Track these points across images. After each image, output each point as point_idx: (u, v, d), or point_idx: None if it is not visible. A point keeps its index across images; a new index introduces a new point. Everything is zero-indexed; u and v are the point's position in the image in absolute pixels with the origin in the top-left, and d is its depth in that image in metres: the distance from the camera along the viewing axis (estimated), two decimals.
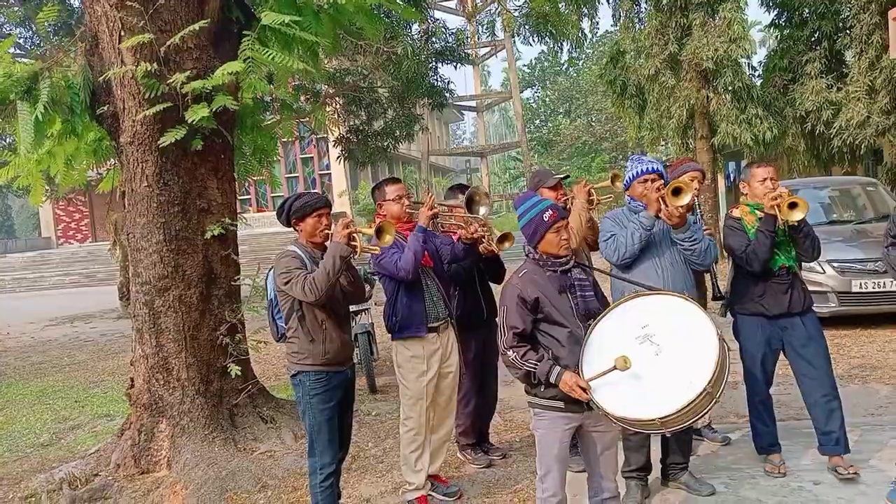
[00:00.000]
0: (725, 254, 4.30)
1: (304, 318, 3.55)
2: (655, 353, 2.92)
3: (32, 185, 5.71)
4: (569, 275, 3.13)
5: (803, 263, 4.17)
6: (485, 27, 12.53)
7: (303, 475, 4.51)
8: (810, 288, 4.21)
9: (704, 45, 13.39)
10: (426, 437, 4.11)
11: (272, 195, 32.20)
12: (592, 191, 4.32)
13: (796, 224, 3.86)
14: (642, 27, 15.52)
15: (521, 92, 42.65)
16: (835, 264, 7.59)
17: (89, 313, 16.72)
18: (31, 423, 6.99)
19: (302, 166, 33.27)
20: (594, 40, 35.24)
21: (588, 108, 42.04)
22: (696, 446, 4.54)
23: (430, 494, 4.17)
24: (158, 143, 4.60)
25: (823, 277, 7.56)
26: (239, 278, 5.16)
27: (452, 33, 13.25)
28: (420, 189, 34.70)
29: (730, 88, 14.01)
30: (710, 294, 4.71)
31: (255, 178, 8.20)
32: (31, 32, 12.81)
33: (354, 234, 3.48)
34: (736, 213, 4.15)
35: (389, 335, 4.18)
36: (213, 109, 4.50)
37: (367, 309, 6.93)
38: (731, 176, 21.53)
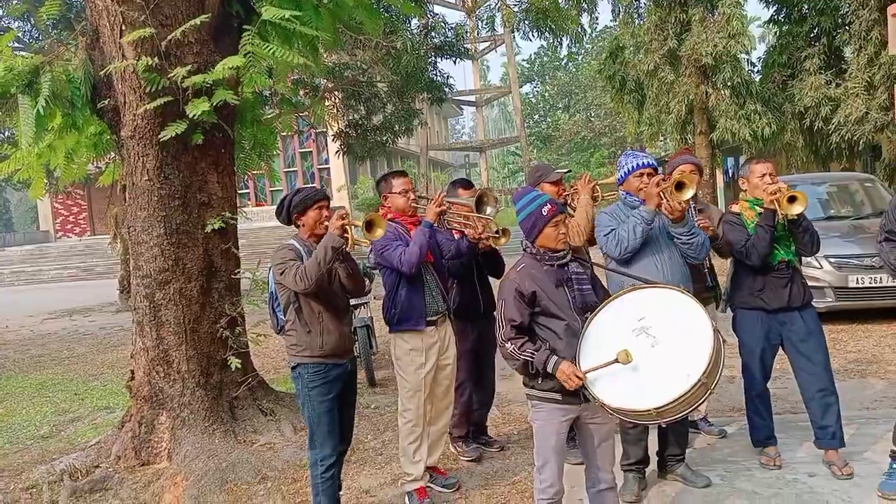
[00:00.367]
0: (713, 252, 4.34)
1: (301, 311, 3.58)
2: (651, 344, 2.95)
3: (33, 178, 5.72)
4: (566, 268, 3.16)
5: (801, 258, 4.20)
6: (484, 22, 12.52)
7: (302, 467, 4.55)
8: (808, 283, 4.24)
9: (703, 41, 13.42)
10: (424, 429, 4.15)
11: (271, 189, 32.18)
12: (597, 187, 4.34)
13: (795, 218, 3.89)
14: (642, 22, 15.56)
15: (521, 87, 42.64)
16: (832, 260, 7.63)
17: (88, 307, 16.74)
18: (31, 415, 7.02)
19: (301, 160, 33.25)
20: (593, 35, 35.24)
21: (587, 103, 42.03)
22: (693, 439, 4.58)
23: (428, 486, 4.21)
24: (159, 137, 4.62)
25: (820, 273, 7.60)
26: (239, 272, 5.19)
27: (452, 28, 13.26)
28: (419, 183, 34.69)
29: (729, 84, 14.06)
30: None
31: (254, 173, 8.22)
32: (30, 26, 12.80)
33: (347, 226, 3.49)
34: (735, 208, 4.18)
35: (388, 328, 4.21)
36: (214, 104, 4.52)
37: (366, 303, 6.96)
38: (730, 171, 21.59)
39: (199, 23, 4.51)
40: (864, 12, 13.25)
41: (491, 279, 4.79)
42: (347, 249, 3.53)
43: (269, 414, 5.16)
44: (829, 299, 7.61)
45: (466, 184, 4.75)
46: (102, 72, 4.77)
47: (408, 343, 4.09)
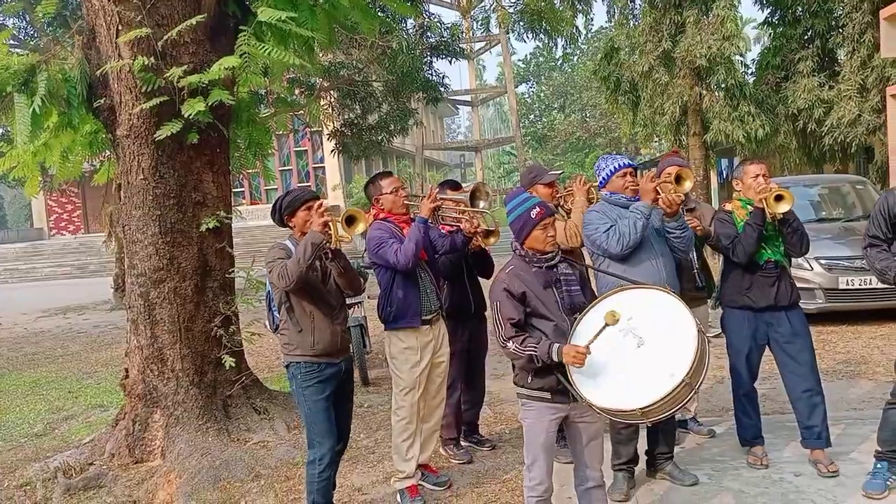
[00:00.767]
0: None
1: (293, 310, 3.59)
2: (638, 344, 3.00)
3: (28, 176, 5.74)
4: (554, 270, 3.21)
5: (792, 260, 4.26)
6: (479, 23, 12.56)
7: (295, 465, 4.59)
8: (798, 284, 4.29)
9: (698, 43, 13.47)
10: (417, 427, 4.19)
11: (266, 188, 32.16)
12: (592, 189, 4.39)
13: (785, 218, 3.95)
14: (637, 24, 15.61)
15: (516, 87, 42.67)
16: (822, 261, 7.70)
17: (82, 304, 16.74)
18: (25, 413, 7.04)
19: (296, 159, 33.24)
20: (589, 36, 35.31)
21: (582, 103, 42.11)
22: (682, 438, 4.63)
23: (420, 483, 4.24)
24: (154, 136, 4.65)
25: (811, 274, 7.67)
26: (233, 271, 5.22)
27: (447, 28, 13.29)
28: (414, 183, 34.70)
29: (723, 86, 14.12)
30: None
31: (249, 171, 8.24)
32: (25, 23, 12.78)
33: (330, 223, 3.48)
34: (728, 206, 4.25)
35: (383, 326, 4.24)
36: (210, 104, 4.54)
37: (359, 302, 7.00)
38: (724, 172, 21.67)
39: (195, 23, 4.53)
40: (858, 15, 13.33)
41: (481, 280, 4.84)
42: (332, 246, 3.53)
43: (263, 412, 5.20)
44: (820, 301, 7.68)
45: (455, 185, 4.77)
46: (98, 71, 4.80)
47: (403, 341, 4.13)
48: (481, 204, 4.34)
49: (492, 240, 4.45)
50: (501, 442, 4.99)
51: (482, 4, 12.93)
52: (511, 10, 10.04)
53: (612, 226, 3.79)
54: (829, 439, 4.07)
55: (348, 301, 6.44)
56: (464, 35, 16.35)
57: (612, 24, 16.96)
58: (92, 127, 5.42)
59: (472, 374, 4.83)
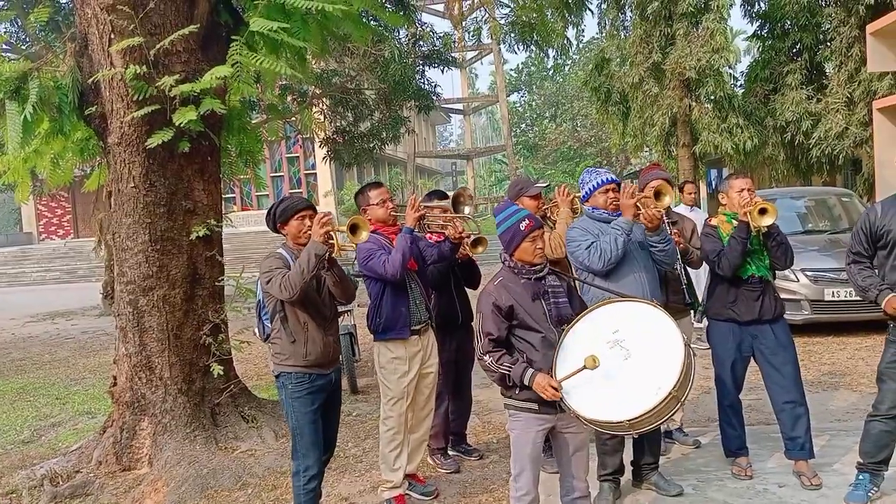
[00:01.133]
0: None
1: (287, 319, 3.58)
2: (625, 357, 3.04)
3: (19, 182, 5.74)
4: (542, 282, 3.25)
5: (777, 272, 4.31)
6: (471, 34, 12.63)
7: (283, 474, 4.59)
8: (784, 296, 4.35)
9: (688, 55, 13.59)
10: (405, 437, 4.21)
11: (257, 194, 32.09)
12: (576, 200, 4.43)
13: (769, 232, 4.01)
14: (627, 35, 15.72)
15: (508, 96, 42.80)
16: (808, 273, 7.77)
17: (71, 310, 16.65)
18: (12, 419, 7.00)
19: (287, 166, 33.19)
20: (580, 46, 35.48)
21: (573, 113, 42.25)
22: (668, 449, 4.67)
23: (407, 493, 4.26)
24: (146, 144, 4.66)
25: (797, 286, 7.74)
26: (223, 279, 5.23)
27: (440, 37, 13.36)
28: (406, 190, 34.74)
29: (712, 98, 14.24)
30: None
31: (240, 178, 8.25)
32: (16, 28, 12.76)
33: (331, 233, 3.49)
34: (713, 221, 4.30)
35: (372, 336, 4.27)
36: (201, 112, 4.56)
37: (349, 310, 7.01)
38: (713, 183, 21.83)
39: (187, 32, 4.56)
40: (845, 30, 13.50)
41: (468, 290, 4.87)
42: (333, 255, 3.54)
43: (251, 421, 5.20)
44: (806, 312, 7.75)
45: (441, 195, 4.81)
46: (90, 79, 4.81)
47: (392, 351, 4.15)
48: (465, 209, 4.39)
49: (480, 248, 4.48)
50: (489, 451, 5.01)
51: (474, 15, 13.00)
52: (502, 22, 10.12)
53: (593, 242, 3.83)
54: (812, 450, 4.11)
55: (340, 309, 6.47)
56: (456, 45, 16.43)
57: (603, 35, 17.08)
58: (83, 134, 5.43)
59: (460, 385, 4.85)
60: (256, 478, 4.68)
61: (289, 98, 13.02)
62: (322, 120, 13.50)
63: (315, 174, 32.27)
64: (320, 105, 13.70)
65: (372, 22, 9.43)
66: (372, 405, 6.12)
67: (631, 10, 15.44)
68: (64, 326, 14.06)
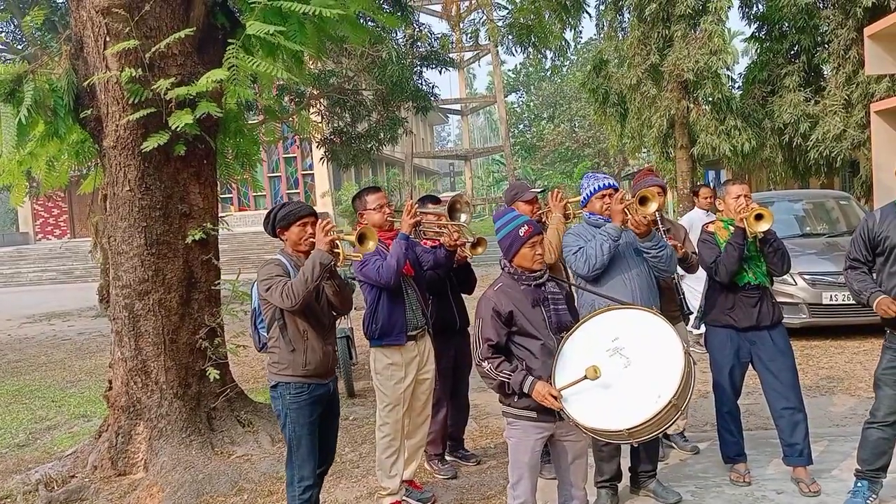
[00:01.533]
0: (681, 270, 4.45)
1: (286, 328, 3.51)
2: (625, 365, 3.02)
3: (14, 185, 5.71)
4: (542, 288, 3.24)
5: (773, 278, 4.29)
6: (469, 35, 12.63)
7: (279, 479, 4.56)
8: (782, 300, 4.35)
9: (685, 57, 13.59)
10: (401, 443, 4.19)
11: (254, 194, 32.04)
12: (568, 205, 4.43)
13: (766, 238, 4.00)
14: (625, 37, 15.73)
15: (506, 96, 42.79)
16: (806, 276, 7.76)
17: (67, 311, 16.59)
18: (7, 422, 6.96)
19: (285, 166, 33.15)
20: (578, 47, 35.52)
21: (571, 114, 42.30)
22: (666, 455, 4.65)
23: (404, 499, 4.24)
24: (141, 147, 4.63)
25: (795, 289, 7.73)
26: (219, 283, 5.20)
27: (437, 38, 13.36)
28: (403, 191, 34.72)
29: (709, 100, 14.24)
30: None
31: (237, 179, 8.22)
32: (12, 27, 12.72)
33: (337, 241, 3.43)
34: (711, 227, 4.29)
35: (368, 341, 4.24)
36: (197, 116, 4.54)
37: (345, 313, 6.98)
38: (711, 185, 21.82)
39: (183, 35, 4.53)
40: (843, 32, 13.50)
41: (464, 295, 4.84)
42: (338, 265, 3.49)
43: (247, 425, 5.17)
44: (804, 315, 7.74)
45: (435, 200, 4.77)
46: (86, 82, 4.78)
47: (388, 357, 4.13)
48: (462, 217, 4.35)
49: (480, 249, 4.46)
50: (486, 457, 4.99)
51: (472, 17, 12.99)
52: (500, 24, 10.10)
53: (581, 247, 3.83)
54: (810, 457, 4.11)
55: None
56: (454, 45, 16.42)
57: (601, 36, 17.08)
58: (79, 137, 5.40)
59: (458, 389, 4.83)
60: (253, 483, 4.66)
61: (286, 99, 13.00)
62: (319, 121, 13.47)
63: (312, 175, 32.25)
64: (318, 106, 13.68)
65: (369, 23, 9.41)
66: (369, 409, 6.09)
67: (629, 12, 15.44)
68: (60, 328, 14.01)
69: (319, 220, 3.51)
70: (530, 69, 48.71)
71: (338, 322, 6.79)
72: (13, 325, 14.86)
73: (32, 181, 8.86)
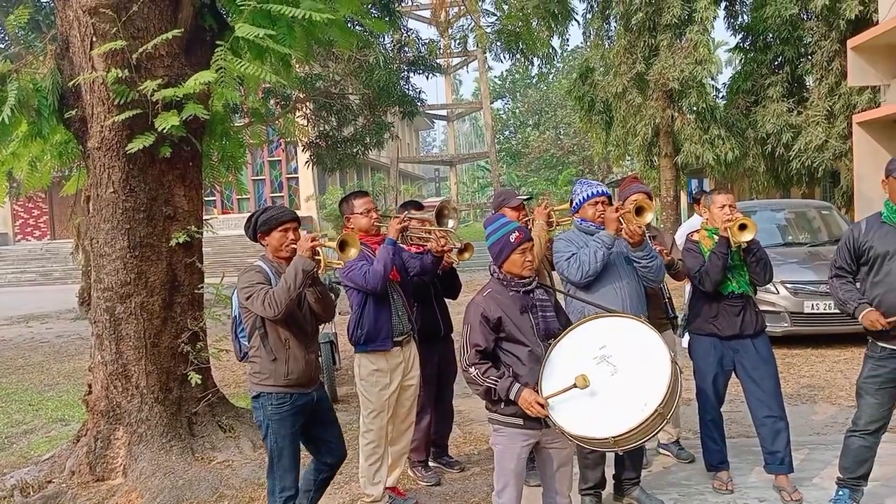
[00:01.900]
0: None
1: (267, 337, 3.43)
2: (611, 373, 3.02)
3: None
4: (531, 295, 3.24)
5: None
6: (457, 42, 12.65)
7: (261, 485, 4.52)
8: (764, 308, 4.38)
9: (671, 66, 13.72)
10: (385, 450, 4.16)
11: (238, 197, 31.83)
12: (552, 213, 4.45)
13: (749, 248, 4.03)
14: (611, 45, 15.85)
15: (492, 103, 42.93)
16: (788, 285, 7.83)
17: (45, 313, 16.38)
18: None
19: (269, 169, 32.99)
20: (565, 55, 35.71)
21: (557, 121, 42.51)
22: (650, 462, 4.66)
23: None
24: (126, 149, 4.58)
25: (777, 298, 7.79)
26: (202, 286, 5.15)
27: (425, 44, 13.36)
28: (389, 196, 34.68)
29: (694, 109, 14.39)
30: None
31: (222, 181, 8.16)
32: None
33: (318, 248, 3.37)
34: (695, 236, 4.32)
35: (352, 346, 4.22)
36: (183, 118, 4.50)
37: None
38: (693, 193, 22.01)
39: (170, 37, 4.50)
40: (826, 44, 13.69)
41: (448, 301, 4.83)
42: (319, 272, 3.43)
43: (229, 430, 5.12)
44: (786, 324, 7.80)
45: (417, 205, 4.75)
46: (71, 82, 4.73)
47: (373, 363, 4.11)
48: (449, 223, 4.35)
49: (466, 255, 4.46)
50: (470, 463, 4.98)
51: (460, 23, 13.02)
52: (489, 30, 10.13)
53: (574, 254, 3.84)
54: (791, 465, 4.13)
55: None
56: (441, 51, 16.45)
57: (588, 45, 17.20)
58: (62, 137, 5.34)
59: (442, 396, 4.81)
60: (233, 489, 4.61)
61: (272, 102, 12.95)
62: (305, 125, 13.42)
63: (297, 178, 32.11)
64: (304, 109, 13.64)
65: (357, 28, 9.40)
66: (352, 415, 6.06)
67: (615, 21, 15.57)
68: (38, 330, 13.83)
69: (306, 232, 3.49)
70: (516, 76, 48.82)
71: (321, 327, 6.79)
72: None
73: (13, 182, 8.76)
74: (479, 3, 11.08)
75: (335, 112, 13.57)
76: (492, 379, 3.04)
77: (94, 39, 4.57)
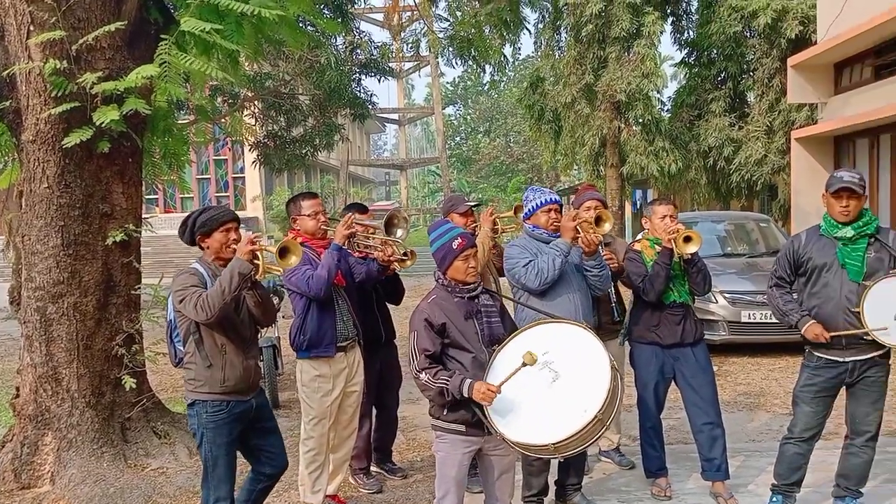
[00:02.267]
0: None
1: (202, 342, 3.30)
2: (553, 379, 3.04)
3: None
4: (476, 301, 3.24)
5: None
6: (410, 46, 12.65)
7: (196, 493, 4.39)
8: (703, 317, 4.46)
9: (619, 78, 13.97)
10: (326, 457, 4.09)
11: (181, 196, 31.14)
12: (498, 219, 4.46)
13: (691, 259, 4.12)
14: (562, 56, 16.06)
15: (444, 108, 43.11)
16: (726, 295, 8.02)
17: None
18: None
19: (215, 168, 32.38)
20: (516, 63, 36.09)
21: (507, 128, 42.90)
22: (591, 468, 4.70)
23: None
24: (62, 143, 4.41)
25: (716, 307, 7.98)
26: (139, 287, 4.99)
27: (377, 46, 13.33)
28: (338, 198, 34.41)
29: (640, 121, 14.68)
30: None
31: (164, 179, 7.94)
32: None
33: (258, 252, 3.25)
34: (637, 246, 4.38)
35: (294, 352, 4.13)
36: (124, 112, 4.36)
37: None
38: (638, 203, 22.49)
39: (113, 29, 4.36)
40: (768, 61, 14.15)
41: (391, 306, 4.77)
42: (258, 277, 3.31)
43: (164, 436, 4.96)
44: (723, 333, 7.99)
45: (362, 208, 4.65)
46: (5, 72, 4.54)
47: (316, 369, 4.02)
48: (398, 232, 4.29)
49: (408, 263, 4.41)
50: (413, 470, 4.94)
51: (413, 27, 13.03)
52: (441, 36, 10.15)
53: (531, 260, 3.85)
54: (728, 472, 4.22)
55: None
56: (394, 55, 16.42)
57: (539, 54, 17.40)
58: None
59: (386, 403, 4.75)
60: (167, 497, 4.47)
61: (219, 99, 12.71)
62: (253, 124, 13.21)
63: (243, 178, 31.62)
64: (252, 108, 13.44)
65: (309, 28, 9.30)
66: (293, 420, 5.95)
67: (566, 32, 15.78)
68: None
69: (247, 234, 3.39)
70: (468, 82, 49.18)
71: (264, 330, 6.65)
72: None
73: None
74: (433, 9, 11.10)
75: (284, 112, 13.42)
76: (443, 379, 3.03)
77: (32, 28, 4.39)
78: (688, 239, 4.01)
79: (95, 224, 4.74)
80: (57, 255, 4.59)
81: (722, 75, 15.40)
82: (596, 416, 2.89)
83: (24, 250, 4.82)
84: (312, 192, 4.35)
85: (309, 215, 4.09)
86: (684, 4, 16.18)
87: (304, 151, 14.02)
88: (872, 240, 3.63)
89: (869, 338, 3.53)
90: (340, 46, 12.69)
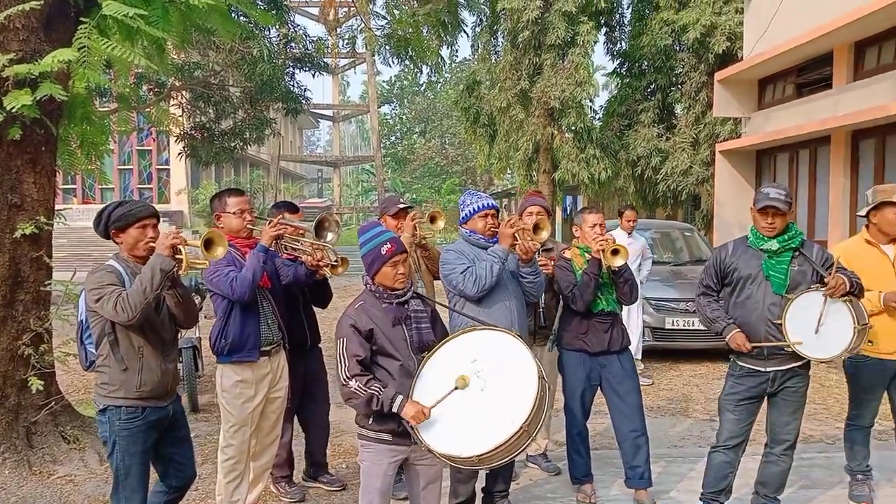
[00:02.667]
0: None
1: (118, 344, 3.12)
2: (481, 388, 3.00)
3: None
4: (405, 306, 3.17)
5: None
6: (346, 42, 12.47)
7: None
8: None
9: (553, 85, 14.14)
10: (246, 466, 3.93)
11: (101, 186, 29.88)
12: (419, 226, 4.44)
13: (618, 270, 4.17)
14: (498, 60, 16.15)
15: (379, 107, 42.86)
16: (652, 301, 8.21)
17: None
18: None
19: (138, 158, 31.23)
20: (453, 65, 36.24)
21: (443, 130, 43.03)
22: (517, 475, 4.70)
23: None
24: None
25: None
26: (50, 283, 4.71)
27: (312, 41, 13.09)
28: (268, 194, 33.72)
29: (572, 128, 14.89)
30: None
31: (81, 169, 7.53)
32: None
33: (180, 246, 3.08)
34: (567, 254, 4.41)
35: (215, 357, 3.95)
36: (37, 97, 4.12)
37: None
38: (568, 209, 22.89)
39: (28, 9, 4.09)
40: (695, 75, 14.60)
41: (317, 310, 4.65)
42: (181, 273, 3.15)
43: (73, 441, 4.70)
44: (647, 339, 8.17)
45: (292, 207, 4.50)
46: None
47: (237, 374, 3.85)
48: (329, 236, 4.17)
49: (340, 270, 4.29)
50: (338, 478, 4.81)
51: (349, 23, 12.85)
52: (378, 34, 10.04)
53: (468, 267, 3.80)
54: (650, 479, 4.29)
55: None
56: (329, 50, 16.17)
57: (476, 57, 17.46)
58: None
59: (313, 411, 4.59)
60: None
61: (144, 88, 12.23)
62: (180, 115, 12.76)
63: (168, 170, 30.61)
64: (179, 98, 12.99)
65: (241, 18, 9.04)
66: (213, 425, 5.74)
67: (503, 37, 15.88)
68: None
69: (168, 229, 3.21)
70: (405, 82, 49.07)
71: (182, 332, 6.39)
72: None
73: None
74: (370, 6, 10.98)
75: (213, 103, 13.02)
76: (375, 388, 2.95)
77: None
78: (615, 252, 4.07)
79: (3, 215, 4.47)
80: None
81: (652, 87, 15.80)
82: (522, 428, 2.86)
83: None
84: (239, 189, 4.18)
85: (234, 213, 3.92)
86: (618, 16, 16.54)
87: (233, 144, 13.63)
88: (797, 253, 3.74)
89: (790, 349, 3.63)
90: (274, 39, 12.40)
